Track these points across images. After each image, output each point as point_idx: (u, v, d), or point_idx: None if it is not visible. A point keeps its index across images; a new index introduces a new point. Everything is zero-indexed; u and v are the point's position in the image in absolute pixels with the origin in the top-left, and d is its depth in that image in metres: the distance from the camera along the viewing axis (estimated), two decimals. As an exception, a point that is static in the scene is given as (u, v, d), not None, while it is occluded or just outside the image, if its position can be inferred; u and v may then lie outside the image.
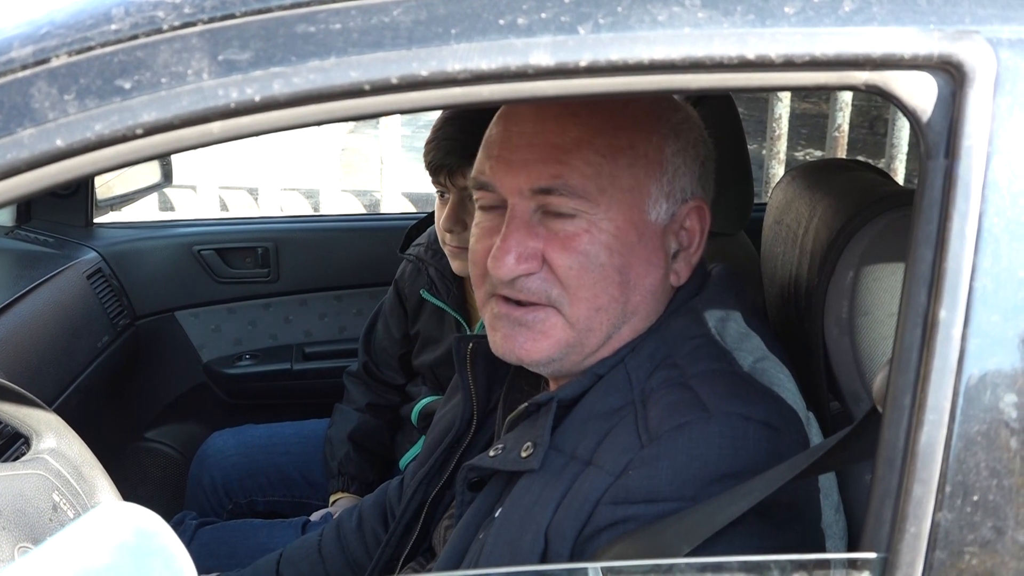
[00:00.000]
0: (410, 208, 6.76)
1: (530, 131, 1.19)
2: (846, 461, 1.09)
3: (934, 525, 0.84)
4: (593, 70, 0.81)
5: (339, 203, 6.96)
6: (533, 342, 1.21)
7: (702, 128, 1.28)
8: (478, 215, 1.27)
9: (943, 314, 0.82)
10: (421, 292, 2.33)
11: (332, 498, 2.40)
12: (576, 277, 1.17)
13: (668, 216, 1.21)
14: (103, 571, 0.82)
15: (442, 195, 2.09)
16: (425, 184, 2.21)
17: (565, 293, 1.18)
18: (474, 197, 1.27)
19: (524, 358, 1.23)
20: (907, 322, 0.84)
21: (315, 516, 2.31)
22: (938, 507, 0.84)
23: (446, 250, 2.13)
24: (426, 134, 2.13)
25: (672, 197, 1.21)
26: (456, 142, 2.01)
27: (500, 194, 1.21)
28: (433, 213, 2.24)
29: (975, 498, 0.84)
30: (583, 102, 1.16)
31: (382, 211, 6.68)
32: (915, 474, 0.83)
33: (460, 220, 2.04)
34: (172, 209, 6.82)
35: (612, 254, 1.17)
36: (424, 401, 2.34)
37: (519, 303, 1.21)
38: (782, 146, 6.29)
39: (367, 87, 0.80)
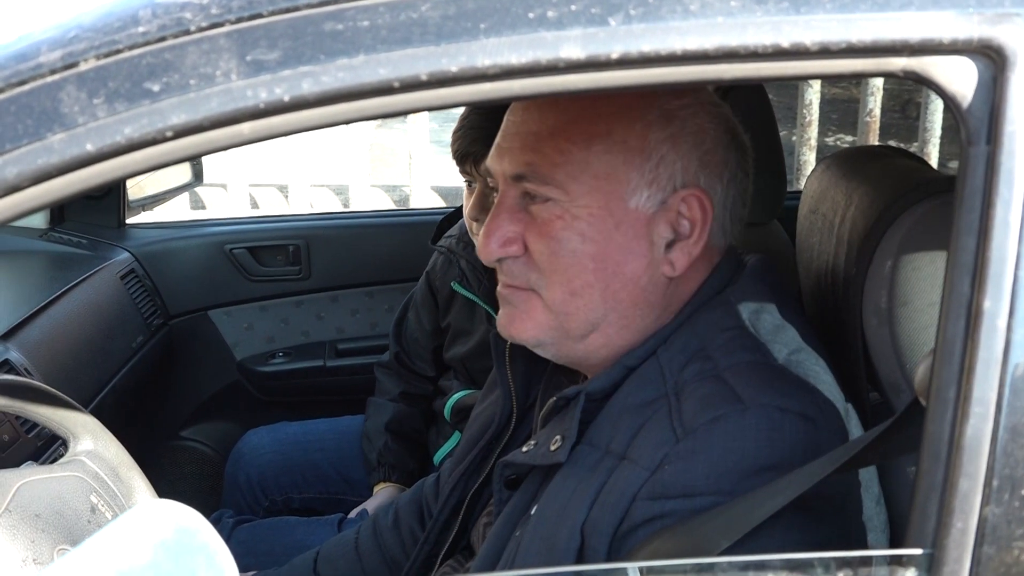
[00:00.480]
0: (439, 202, 6.76)
1: (518, 120, 1.23)
2: (888, 455, 1.07)
3: (981, 520, 0.82)
4: (625, 62, 0.80)
5: (369, 198, 6.98)
6: (520, 322, 1.25)
7: (719, 116, 1.24)
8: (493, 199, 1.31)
9: (987, 304, 0.81)
10: (452, 284, 2.33)
11: (375, 489, 2.41)
12: (549, 262, 1.20)
13: (656, 204, 1.19)
14: (144, 569, 0.82)
15: (469, 184, 2.10)
16: (454, 178, 2.21)
17: (542, 277, 1.21)
18: (489, 182, 1.30)
19: (515, 336, 1.27)
20: (950, 313, 0.82)
21: (352, 513, 2.31)
22: (985, 501, 0.82)
23: (476, 240, 2.13)
24: (453, 128, 2.13)
25: (658, 184, 1.19)
26: (482, 130, 2.01)
27: (495, 180, 1.26)
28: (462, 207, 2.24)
29: (1023, 492, 0.82)
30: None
31: (412, 205, 6.69)
32: (961, 468, 0.82)
33: (486, 209, 2.04)
34: (203, 207, 6.86)
35: (585, 240, 1.18)
36: (457, 396, 2.33)
37: (510, 284, 1.25)
38: (813, 132, 6.25)
39: (396, 84, 0.79)
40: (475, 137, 2.02)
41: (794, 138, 6.48)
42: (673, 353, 1.18)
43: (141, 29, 0.81)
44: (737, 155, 1.25)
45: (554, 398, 1.25)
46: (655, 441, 1.10)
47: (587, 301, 1.20)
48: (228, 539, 2.06)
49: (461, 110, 2.17)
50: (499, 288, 1.28)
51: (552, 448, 1.20)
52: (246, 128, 0.81)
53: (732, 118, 1.27)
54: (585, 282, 1.19)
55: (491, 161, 1.26)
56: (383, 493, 2.38)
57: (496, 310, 2.21)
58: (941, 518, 0.83)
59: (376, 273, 3.02)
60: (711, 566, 0.89)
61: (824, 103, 6.62)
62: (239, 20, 0.80)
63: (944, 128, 6.03)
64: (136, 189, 2.94)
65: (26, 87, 0.81)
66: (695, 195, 1.20)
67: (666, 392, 1.14)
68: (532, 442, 1.27)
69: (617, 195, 1.18)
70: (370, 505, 2.34)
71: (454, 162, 2.10)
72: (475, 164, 2.04)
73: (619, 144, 1.18)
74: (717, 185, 1.22)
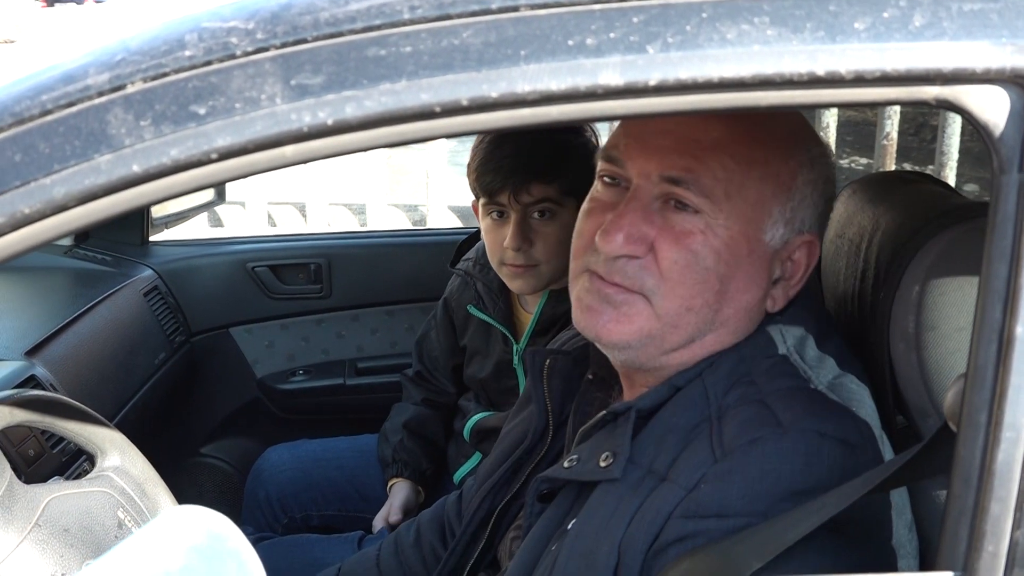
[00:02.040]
0: (456, 221, 6.78)
1: (673, 120, 1.19)
2: (917, 478, 1.08)
3: (1012, 543, 0.83)
4: (662, 89, 0.81)
5: (386, 217, 7.01)
6: (616, 323, 1.20)
7: (834, 167, 1.27)
8: (596, 188, 1.27)
9: (1019, 330, 0.81)
10: (468, 307, 2.34)
11: (389, 485, 2.42)
12: (679, 273, 1.17)
13: (782, 241, 1.21)
14: (177, 573, 0.83)
15: (500, 215, 2.09)
16: (470, 197, 2.21)
17: (661, 285, 1.18)
18: (598, 169, 1.26)
19: (603, 337, 1.22)
20: (982, 339, 0.83)
21: (376, 520, 2.32)
22: (1016, 525, 0.83)
23: (505, 271, 2.12)
24: (472, 164, 2.12)
25: (791, 224, 1.21)
26: (517, 160, 2.02)
27: (627, 173, 1.21)
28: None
29: (1055, 516, 0.83)
30: None
31: (429, 224, 6.72)
32: (992, 492, 0.82)
33: (527, 238, 2.05)
34: (222, 225, 6.90)
35: (719, 261, 1.17)
36: (476, 417, 2.34)
37: (614, 283, 1.20)
38: (830, 155, 6.24)
39: (438, 109, 0.81)
40: (513, 167, 2.02)
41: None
42: (718, 377, 1.19)
43: (188, 53, 0.83)
44: (832, 207, 1.29)
45: (603, 412, 1.25)
46: (695, 462, 1.11)
47: (698, 319, 1.20)
48: (249, 555, 2.07)
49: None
50: (593, 283, 1.22)
51: (603, 464, 1.19)
52: (289, 151, 0.82)
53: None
54: (705, 301, 1.18)
55: (632, 154, 1.20)
56: (396, 490, 2.39)
57: (511, 333, 2.24)
58: (972, 541, 0.84)
59: (396, 292, 3.03)
60: (744, 587, 0.90)
61: (840, 125, 6.63)
62: (284, 45, 0.82)
63: (961, 151, 6.02)
64: (159, 207, 2.96)
65: (74, 108, 0.83)
66: (810, 241, 1.23)
67: (709, 415, 1.15)
68: (574, 457, 1.26)
69: (757, 224, 1.19)
70: (389, 506, 2.35)
71: (483, 197, 2.09)
72: (514, 194, 2.03)
73: (772, 176, 1.19)
74: (822, 233, 1.26)
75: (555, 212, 2.05)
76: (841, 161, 8.33)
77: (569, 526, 1.21)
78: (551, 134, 2.05)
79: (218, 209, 6.74)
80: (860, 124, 8.69)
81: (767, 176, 1.18)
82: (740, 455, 1.07)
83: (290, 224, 7.06)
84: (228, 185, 3.36)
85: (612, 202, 1.22)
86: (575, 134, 2.12)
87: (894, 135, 6.17)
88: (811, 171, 1.22)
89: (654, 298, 1.18)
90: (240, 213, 6.84)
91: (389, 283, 3.03)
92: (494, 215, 2.10)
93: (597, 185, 1.27)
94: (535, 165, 2.01)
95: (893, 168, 6.49)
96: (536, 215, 2.05)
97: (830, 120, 6.12)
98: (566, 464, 1.27)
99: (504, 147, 2.05)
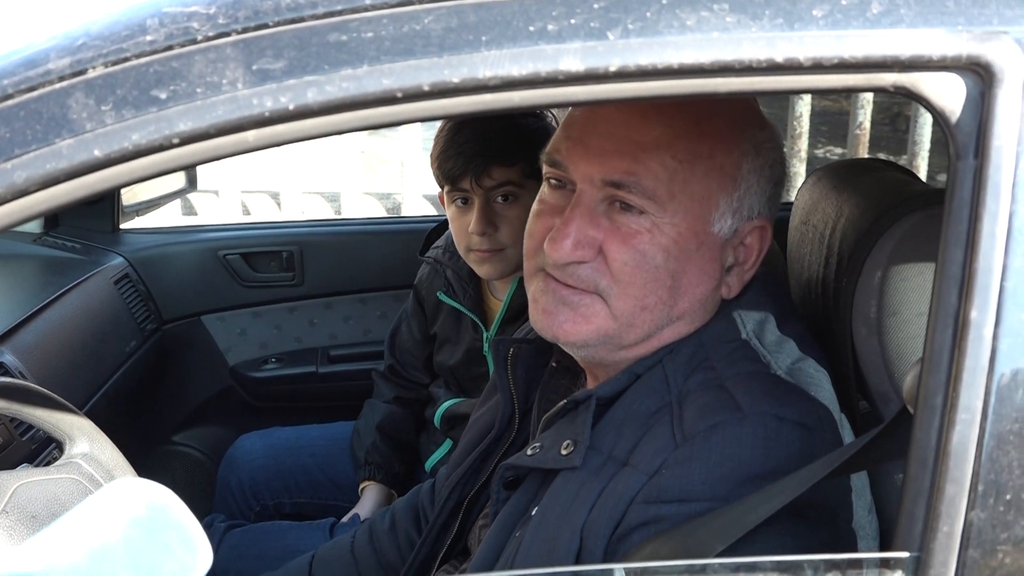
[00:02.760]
0: (430, 209, 6.77)
1: (614, 121, 1.19)
2: (876, 460, 1.09)
3: (967, 524, 0.84)
4: (623, 75, 0.82)
5: (361, 205, 6.99)
6: (573, 323, 1.21)
7: (781, 149, 1.28)
8: (544, 190, 1.28)
9: (974, 314, 0.83)
10: (438, 294, 2.34)
11: (360, 487, 2.43)
12: (629, 273, 1.18)
13: (731, 231, 1.22)
14: (117, 546, 0.83)
15: (464, 201, 2.10)
16: (440, 187, 2.20)
17: (614, 286, 1.19)
18: (543, 172, 1.27)
19: (561, 337, 1.23)
20: (938, 323, 0.84)
21: (344, 518, 2.33)
22: (971, 506, 0.84)
23: (472, 256, 2.13)
24: (433, 152, 2.13)
25: (739, 213, 1.21)
26: (476, 144, 2.02)
27: (570, 176, 1.22)
28: None
29: (1008, 497, 0.84)
30: (671, 101, 1.16)
31: (404, 213, 6.71)
32: (947, 473, 0.84)
33: (491, 222, 2.05)
34: (195, 214, 6.86)
35: (668, 258, 1.18)
36: (446, 404, 2.35)
37: (569, 285, 1.21)
38: (803, 144, 6.27)
39: (399, 94, 0.81)
40: (473, 152, 2.02)
41: (785, 149, 6.50)
42: (679, 363, 1.20)
43: (149, 38, 0.82)
44: (782, 189, 1.29)
45: (563, 401, 1.26)
46: (656, 447, 1.12)
47: (654, 316, 1.21)
48: (220, 543, 2.07)
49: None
50: (548, 284, 1.23)
51: (564, 452, 1.20)
52: (251, 136, 0.82)
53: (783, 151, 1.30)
54: (659, 298, 1.19)
55: (571, 157, 1.21)
56: (368, 492, 2.40)
57: (481, 320, 2.24)
58: (928, 522, 0.85)
59: (369, 280, 3.03)
60: (703, 568, 0.91)
61: (814, 115, 6.66)
62: (245, 30, 0.82)
63: (933, 141, 6.06)
64: (130, 194, 2.95)
65: (35, 93, 0.83)
66: (761, 225, 1.24)
67: (670, 401, 1.16)
68: (536, 445, 1.28)
69: (705, 218, 1.19)
70: (360, 508, 2.36)
71: (446, 184, 2.09)
72: (476, 178, 2.03)
73: (717, 168, 1.19)
74: (773, 216, 1.26)
75: (518, 195, 2.05)
76: (816, 151, 8.36)
77: (533, 512, 1.22)
78: (510, 118, 2.05)
79: (191, 197, 6.70)
80: (835, 114, 8.73)
81: (712, 169, 1.18)
82: (701, 440, 1.08)
83: (264, 212, 7.03)
84: (201, 173, 3.34)
85: (560, 205, 1.23)
86: (535, 118, 2.13)
87: (867, 125, 6.20)
88: (756, 158, 1.22)
89: (609, 298, 1.19)
90: (214, 201, 6.81)
91: (362, 271, 3.02)
92: (458, 202, 2.11)
93: (544, 187, 1.28)
94: (495, 149, 2.01)
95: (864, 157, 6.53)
96: (499, 199, 2.05)
97: (803, 110, 6.15)
98: (529, 452, 1.28)
99: (463, 132, 2.05)
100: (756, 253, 1.25)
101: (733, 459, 1.07)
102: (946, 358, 0.84)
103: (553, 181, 1.25)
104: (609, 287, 1.19)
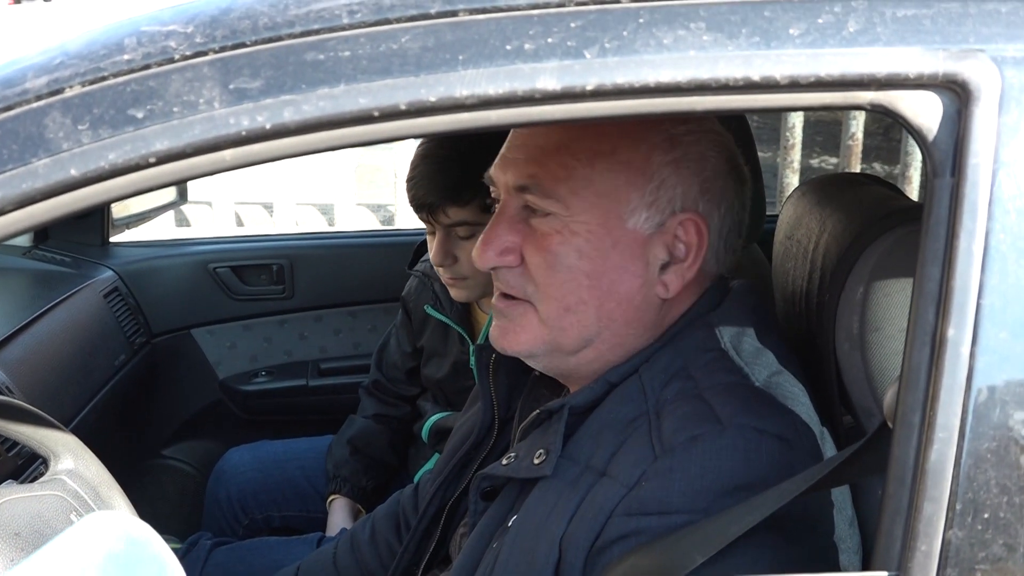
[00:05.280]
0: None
1: (526, 132, 1.24)
2: (858, 474, 1.09)
3: (945, 543, 0.84)
4: (599, 94, 0.82)
5: (354, 217, 6.99)
6: (513, 334, 1.26)
7: (721, 145, 1.26)
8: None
9: (951, 332, 0.83)
10: (425, 307, 2.34)
11: (327, 501, 2.43)
12: (544, 275, 1.21)
13: (653, 226, 1.21)
14: None
15: (432, 232, 2.10)
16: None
17: (537, 290, 1.23)
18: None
19: (507, 349, 1.28)
20: (915, 340, 0.84)
21: (331, 531, 2.32)
22: (949, 525, 0.84)
23: (444, 280, 2.14)
24: (406, 176, 2.13)
25: (657, 206, 1.20)
26: (433, 180, 2.01)
27: (498, 190, 1.28)
28: None
29: (986, 515, 0.84)
30: None
31: (397, 224, 6.71)
32: (925, 492, 0.84)
33: (449, 254, 2.06)
34: (188, 225, 6.86)
35: (582, 257, 1.20)
36: (434, 418, 2.35)
37: (505, 296, 1.27)
38: (796, 155, 6.29)
39: (376, 113, 0.81)
40: (428, 188, 2.01)
41: (778, 160, 6.52)
42: (655, 372, 1.20)
43: (126, 57, 0.83)
44: (736, 185, 1.27)
45: (536, 411, 1.27)
46: (634, 458, 1.11)
47: (581, 317, 1.22)
48: (206, 561, 2.07)
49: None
50: (494, 300, 1.29)
51: (536, 461, 1.21)
52: (228, 155, 0.82)
53: (734, 148, 1.29)
54: (580, 298, 1.21)
55: (494, 171, 1.27)
56: (334, 506, 2.40)
57: (468, 333, 2.24)
58: (906, 541, 0.85)
59: (359, 293, 3.03)
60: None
61: (808, 125, 6.68)
62: (222, 49, 0.82)
63: (926, 152, 6.06)
64: (120, 207, 2.95)
65: (12, 112, 0.83)
66: (692, 220, 1.22)
67: (647, 410, 1.16)
68: (512, 455, 1.28)
69: (616, 214, 1.20)
70: (329, 523, 2.36)
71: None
72: (431, 214, 2.03)
73: (622, 164, 1.19)
74: (715, 212, 1.24)
75: (476, 230, 2.02)
76: (811, 161, 8.38)
77: (510, 523, 1.22)
78: (461, 158, 2.01)
79: (184, 209, 6.70)
80: (830, 124, 8.75)
81: (616, 166, 1.19)
82: (681, 452, 1.08)
83: (257, 224, 7.02)
84: (193, 184, 3.34)
85: None
86: (489, 152, 2.12)
87: (859, 135, 6.21)
88: (670, 151, 1.21)
89: (537, 304, 1.23)
90: (207, 213, 6.81)
91: (352, 284, 3.02)
92: (429, 230, 2.12)
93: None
94: (447, 190, 2.00)
95: (859, 168, 6.54)
96: (459, 232, 2.05)
97: (796, 120, 6.16)
98: (504, 462, 1.28)
99: (427, 165, 2.04)
100: (695, 249, 1.23)
101: (713, 471, 1.07)
102: (923, 376, 0.84)
103: (496, 199, 1.30)
104: (535, 292, 1.23)
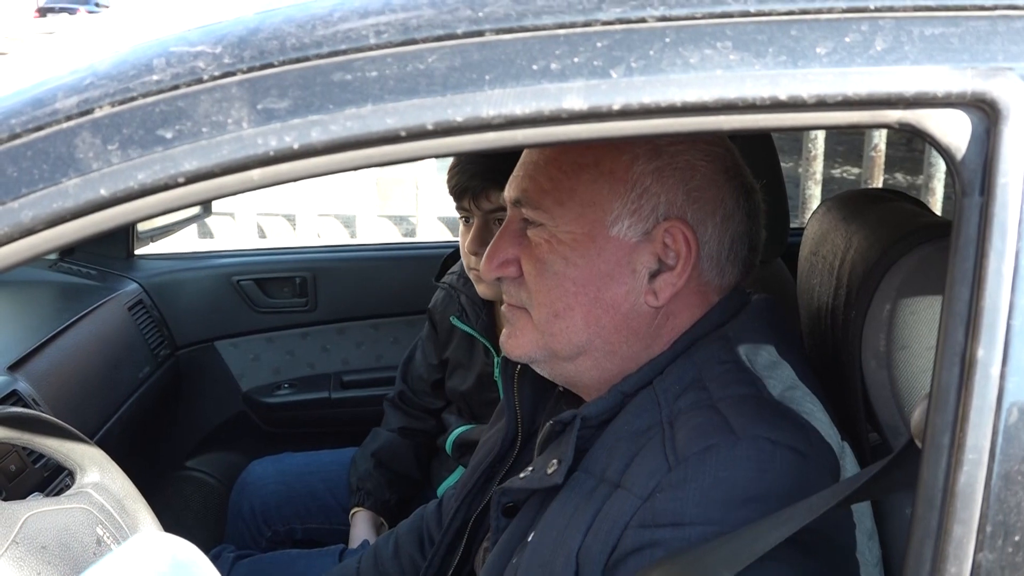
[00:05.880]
0: (445, 232, 6.79)
1: (529, 151, 1.30)
2: (885, 490, 1.09)
3: (975, 566, 0.83)
4: (626, 113, 0.82)
5: (376, 228, 7.01)
6: (513, 339, 1.32)
7: (714, 155, 1.25)
8: None
9: (981, 352, 0.82)
10: (451, 319, 2.35)
11: (350, 514, 2.44)
12: (534, 282, 1.27)
13: (638, 234, 1.22)
14: None
15: (467, 220, 2.12)
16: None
17: (529, 297, 1.28)
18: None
19: (510, 353, 1.33)
20: (944, 361, 0.84)
21: (353, 544, 2.33)
22: (979, 547, 0.83)
23: (471, 275, 2.15)
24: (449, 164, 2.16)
25: (640, 214, 1.21)
26: (480, 165, 2.04)
27: (507, 206, 1.34)
28: None
29: (1016, 538, 0.83)
30: None
31: (418, 236, 6.73)
32: (955, 514, 0.83)
33: (485, 242, 2.05)
34: (211, 236, 6.90)
35: (569, 264, 1.23)
36: (458, 431, 2.35)
37: (511, 303, 1.32)
38: (818, 166, 6.27)
39: (403, 133, 0.81)
40: (473, 172, 2.04)
41: (800, 171, 6.50)
42: (669, 383, 1.20)
43: (155, 77, 0.83)
44: (736, 195, 1.26)
45: (550, 422, 1.27)
46: (649, 469, 1.11)
47: (569, 323, 1.24)
48: (229, 574, 2.07)
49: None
50: (503, 307, 1.35)
51: (549, 472, 1.21)
52: (256, 174, 0.83)
53: (734, 159, 1.28)
54: (567, 304, 1.24)
55: (506, 189, 1.33)
56: (357, 519, 2.40)
57: (493, 345, 2.25)
58: (936, 563, 0.84)
59: (382, 306, 3.04)
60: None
61: (831, 136, 6.67)
62: (251, 70, 0.82)
63: (949, 163, 6.03)
64: (145, 221, 2.96)
65: (42, 132, 0.83)
66: (678, 228, 1.22)
67: (660, 420, 1.16)
68: (530, 468, 1.29)
69: (600, 222, 1.22)
70: (352, 536, 2.36)
71: (454, 200, 2.12)
72: (474, 199, 2.06)
73: (605, 174, 1.22)
74: (708, 221, 1.24)
75: None
76: (833, 171, 8.36)
77: (529, 538, 1.22)
78: None
79: (208, 220, 6.74)
80: (852, 135, 8.72)
81: (599, 176, 1.22)
82: (695, 463, 1.08)
83: (279, 235, 7.06)
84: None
85: None
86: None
87: (882, 147, 6.19)
88: (653, 160, 1.21)
89: (531, 310, 1.28)
90: (230, 224, 6.84)
91: (374, 297, 3.03)
92: (465, 219, 2.13)
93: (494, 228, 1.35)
94: (495, 172, 2.01)
95: (881, 179, 6.51)
96: (498, 222, 2.06)
97: (819, 132, 6.15)
98: (522, 475, 1.29)
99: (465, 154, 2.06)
100: (684, 257, 1.23)
101: (727, 482, 1.06)
102: (953, 397, 0.83)
103: (497, 223, 1.34)
104: (528, 299, 1.28)
